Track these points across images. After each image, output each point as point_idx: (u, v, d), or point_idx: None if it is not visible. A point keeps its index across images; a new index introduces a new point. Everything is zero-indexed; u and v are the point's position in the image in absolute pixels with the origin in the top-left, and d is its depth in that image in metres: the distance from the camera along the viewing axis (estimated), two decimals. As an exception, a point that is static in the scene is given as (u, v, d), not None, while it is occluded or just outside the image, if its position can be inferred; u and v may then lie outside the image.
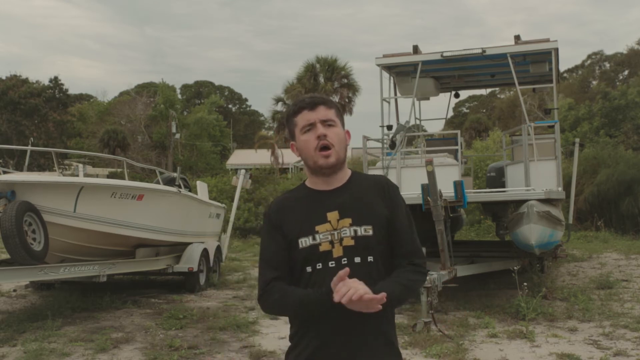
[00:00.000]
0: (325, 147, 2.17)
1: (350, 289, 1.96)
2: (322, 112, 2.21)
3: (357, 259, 2.17)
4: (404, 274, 2.22)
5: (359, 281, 2.01)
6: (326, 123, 2.20)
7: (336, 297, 1.98)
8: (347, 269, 2.00)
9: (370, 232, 2.18)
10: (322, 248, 2.16)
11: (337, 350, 2.15)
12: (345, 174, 2.29)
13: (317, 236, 2.17)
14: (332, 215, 2.19)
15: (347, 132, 2.28)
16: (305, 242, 2.18)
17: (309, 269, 2.18)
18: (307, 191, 2.28)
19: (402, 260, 2.25)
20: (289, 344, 2.30)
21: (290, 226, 2.21)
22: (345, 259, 2.16)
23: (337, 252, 2.16)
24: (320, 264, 2.16)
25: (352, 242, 2.17)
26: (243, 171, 13.59)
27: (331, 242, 2.17)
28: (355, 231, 2.18)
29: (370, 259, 2.18)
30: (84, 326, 7.73)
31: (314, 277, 2.17)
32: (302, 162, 2.34)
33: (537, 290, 8.43)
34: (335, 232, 2.18)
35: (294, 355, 2.23)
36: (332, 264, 2.15)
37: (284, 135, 29.85)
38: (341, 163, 2.23)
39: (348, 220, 2.18)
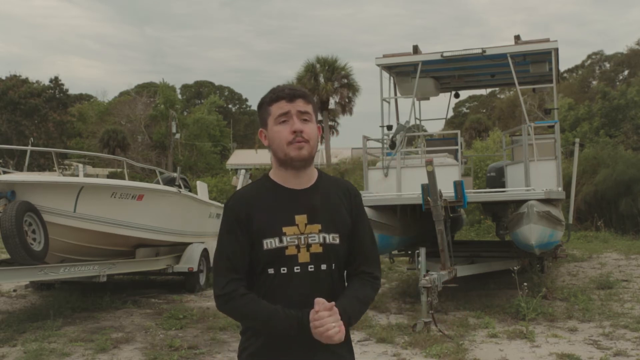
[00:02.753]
0: (300, 142, 2.11)
1: (327, 329, 1.99)
2: (300, 105, 2.13)
3: (324, 266, 2.13)
4: (363, 289, 2.21)
5: (332, 316, 2.02)
6: (302, 116, 2.12)
7: (315, 333, 2.01)
8: (326, 303, 2.01)
9: (337, 241, 2.16)
10: (288, 252, 2.10)
11: (291, 349, 2.10)
12: (313, 173, 2.23)
13: (284, 239, 2.10)
14: (301, 219, 2.13)
15: (319, 127, 2.23)
16: (270, 243, 2.10)
17: (271, 270, 2.11)
18: (274, 187, 2.18)
19: (363, 270, 2.24)
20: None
21: (256, 223, 2.12)
22: (312, 265, 2.11)
23: (304, 257, 2.11)
24: (285, 268, 2.10)
25: (320, 250, 2.12)
26: (243, 171, 13.58)
27: (297, 247, 2.11)
28: (324, 238, 2.13)
29: (333, 266, 2.16)
30: (84, 326, 7.73)
31: (277, 281, 2.11)
32: None
33: (537, 290, 8.43)
34: (302, 237, 2.11)
35: (247, 355, 2.17)
36: (297, 269, 2.10)
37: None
38: (312, 157, 2.16)
39: (317, 227, 2.13)
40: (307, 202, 2.15)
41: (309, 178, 2.20)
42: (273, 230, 2.11)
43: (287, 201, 2.15)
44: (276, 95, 2.14)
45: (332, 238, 2.15)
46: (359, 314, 2.17)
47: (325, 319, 2.00)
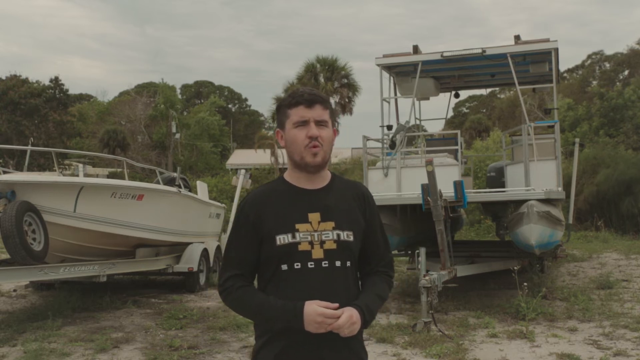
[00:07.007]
0: (316, 147, 2.17)
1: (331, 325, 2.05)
2: (318, 112, 2.19)
3: (338, 263, 2.17)
4: (380, 284, 2.30)
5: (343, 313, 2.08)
6: (320, 124, 2.19)
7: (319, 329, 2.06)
8: (337, 309, 2.06)
9: (351, 238, 2.20)
10: (301, 247, 2.15)
11: (306, 350, 2.13)
12: (327, 175, 2.29)
13: (297, 234, 2.15)
14: (314, 217, 2.18)
15: (335, 131, 2.28)
16: (283, 239, 2.15)
17: (284, 267, 2.16)
18: (288, 186, 2.26)
19: (379, 270, 2.33)
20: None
21: (268, 221, 2.18)
22: (327, 262, 2.15)
23: (317, 253, 2.15)
24: (298, 264, 2.14)
25: (334, 246, 2.16)
26: (243, 171, 13.59)
27: (310, 243, 2.15)
28: (338, 235, 2.18)
29: (348, 263, 2.20)
30: (84, 326, 7.73)
31: (291, 277, 2.15)
32: None
33: (537, 290, 8.43)
34: (315, 234, 2.16)
35: (262, 355, 2.21)
36: (311, 264, 2.14)
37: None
38: (326, 163, 2.24)
39: (331, 224, 2.18)
40: (320, 201, 2.21)
41: (322, 180, 2.27)
42: (286, 227, 2.16)
43: (301, 200, 2.21)
44: (295, 100, 2.20)
45: (347, 235, 2.20)
46: (378, 309, 2.25)
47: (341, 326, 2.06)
